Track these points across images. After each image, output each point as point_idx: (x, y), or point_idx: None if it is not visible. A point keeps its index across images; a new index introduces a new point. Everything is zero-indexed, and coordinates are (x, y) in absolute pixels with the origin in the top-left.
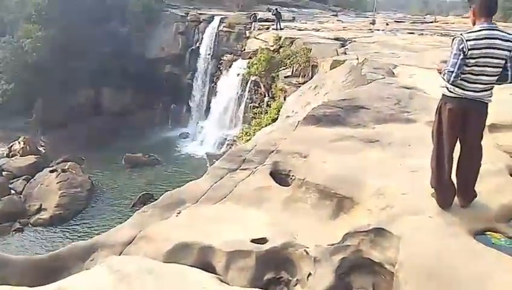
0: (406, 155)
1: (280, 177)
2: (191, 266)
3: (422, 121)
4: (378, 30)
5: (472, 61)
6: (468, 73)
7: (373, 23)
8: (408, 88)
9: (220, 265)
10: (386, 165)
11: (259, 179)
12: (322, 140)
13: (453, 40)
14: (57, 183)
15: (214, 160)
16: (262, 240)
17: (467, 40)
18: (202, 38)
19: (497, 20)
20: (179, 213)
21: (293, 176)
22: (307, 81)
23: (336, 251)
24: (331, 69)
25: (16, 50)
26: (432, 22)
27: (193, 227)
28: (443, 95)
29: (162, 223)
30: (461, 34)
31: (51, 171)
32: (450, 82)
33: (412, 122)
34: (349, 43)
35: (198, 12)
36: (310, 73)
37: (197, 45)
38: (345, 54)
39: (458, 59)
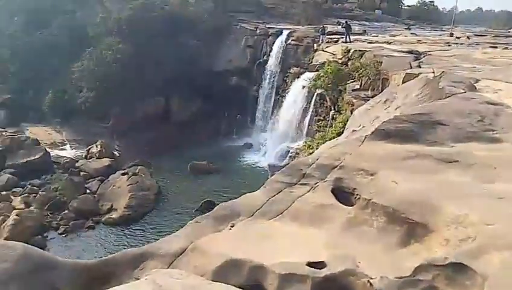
0: (491, 179)
1: (343, 195)
2: (240, 287)
3: (510, 141)
4: (457, 43)
5: None
6: None
7: (451, 36)
8: (493, 104)
9: (272, 288)
10: (466, 189)
11: (320, 196)
12: (392, 157)
13: None
14: (128, 185)
15: (275, 171)
16: (319, 265)
17: None
18: (270, 51)
19: None
20: (232, 226)
21: (357, 195)
22: (376, 95)
23: (405, 285)
24: (403, 82)
25: (100, 61)
26: (509, 36)
27: (245, 243)
28: None
29: (215, 236)
30: None
31: (123, 174)
32: None
33: (498, 142)
34: (424, 56)
35: (267, 26)
36: (380, 86)
37: (265, 58)
38: (419, 67)
39: None
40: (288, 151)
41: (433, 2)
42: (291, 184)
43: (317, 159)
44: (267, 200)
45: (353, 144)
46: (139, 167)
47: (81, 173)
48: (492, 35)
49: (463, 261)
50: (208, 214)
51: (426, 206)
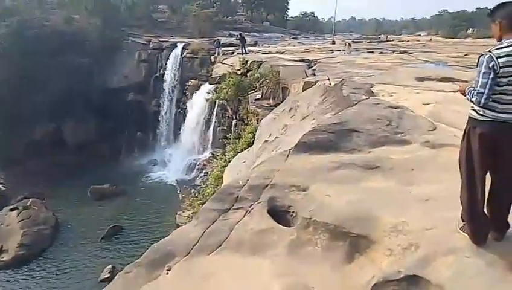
0: (412, 182)
1: (279, 214)
2: None
3: (417, 142)
4: (340, 50)
5: (504, 80)
6: (500, 93)
7: (334, 44)
8: (395, 107)
9: None
10: (395, 195)
11: (257, 220)
12: (318, 169)
13: (479, 57)
14: (19, 221)
15: (185, 186)
16: None
17: (497, 57)
18: (166, 65)
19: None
20: (169, 270)
21: (293, 212)
22: (278, 104)
23: None
24: (303, 90)
25: None
26: (385, 41)
27: (187, 287)
28: (470, 118)
29: (151, 286)
30: (490, 51)
31: (11, 210)
32: (481, 104)
33: (408, 143)
34: (315, 64)
35: (160, 40)
36: (281, 95)
37: (161, 71)
38: (314, 75)
39: (489, 78)
40: (196, 164)
41: (313, 13)
42: (225, 210)
43: (247, 180)
44: (203, 233)
45: (279, 160)
46: (30, 200)
47: None
48: (367, 41)
49: (416, 273)
50: (137, 261)
51: (364, 217)
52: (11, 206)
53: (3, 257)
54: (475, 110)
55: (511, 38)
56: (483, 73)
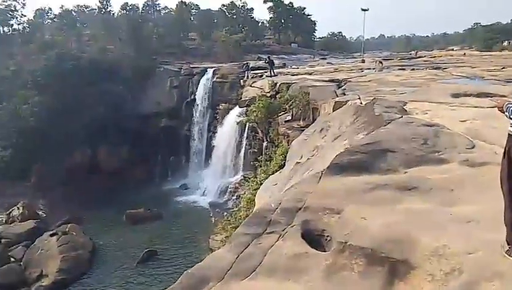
0: (452, 203)
1: (313, 239)
2: None
3: (456, 161)
4: (370, 68)
5: None
6: None
7: (363, 62)
8: (430, 125)
9: None
10: (434, 217)
11: (291, 245)
12: (353, 191)
13: None
14: (58, 247)
15: (217, 210)
16: None
17: None
18: (197, 90)
19: (480, 49)
20: None
21: (327, 236)
22: (309, 124)
23: None
24: (333, 110)
25: (13, 116)
26: (416, 58)
27: None
28: (511, 136)
29: None
30: None
31: (51, 235)
32: None
33: (446, 162)
34: (345, 83)
35: (191, 66)
36: (311, 116)
37: (192, 97)
38: (344, 94)
39: None
40: (227, 187)
41: (340, 32)
42: (258, 235)
43: (280, 203)
44: (236, 258)
45: (311, 182)
46: (69, 225)
47: (2, 241)
48: (398, 58)
49: None
50: (172, 286)
51: (403, 241)
52: (51, 232)
53: (43, 282)
54: None
55: None
56: None
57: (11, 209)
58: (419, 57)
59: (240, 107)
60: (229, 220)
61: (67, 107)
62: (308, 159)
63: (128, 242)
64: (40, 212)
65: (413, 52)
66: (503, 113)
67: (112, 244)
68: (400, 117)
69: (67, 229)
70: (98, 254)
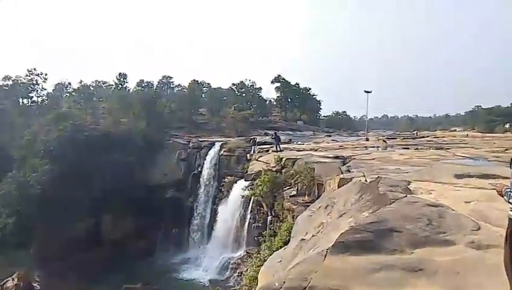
0: (459, 287)
1: None
2: None
3: (462, 243)
4: (374, 147)
5: None
6: None
7: (367, 140)
8: (435, 206)
9: None
10: None
11: None
12: (358, 272)
13: None
14: None
15: (218, 287)
16: None
17: None
18: (204, 163)
19: (482, 131)
20: None
21: None
22: (314, 200)
23: None
24: (338, 187)
25: (21, 184)
26: (417, 137)
27: None
28: (511, 219)
29: None
30: None
31: None
32: None
33: (451, 244)
34: (350, 160)
35: (200, 139)
36: (316, 191)
37: (199, 169)
38: (349, 171)
39: None
40: (229, 263)
41: (345, 111)
42: None
43: (284, 282)
44: None
45: (317, 260)
46: None
47: None
48: (401, 137)
49: None
50: None
51: None
52: None
53: None
54: None
55: None
56: None
57: (6, 280)
58: (422, 137)
59: (245, 180)
60: None
61: (76, 176)
62: (313, 236)
63: None
64: (36, 284)
65: (416, 131)
66: (503, 197)
67: None
68: (405, 196)
69: None
70: None
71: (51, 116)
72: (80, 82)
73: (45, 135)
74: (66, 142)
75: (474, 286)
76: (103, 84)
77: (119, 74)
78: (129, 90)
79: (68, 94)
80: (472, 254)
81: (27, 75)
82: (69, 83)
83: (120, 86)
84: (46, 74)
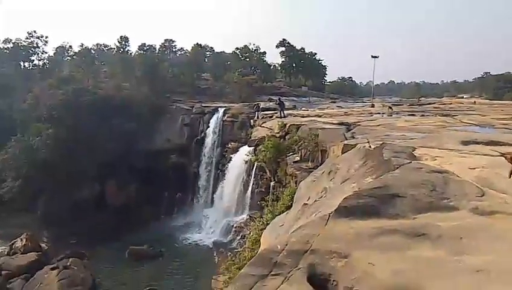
0: (462, 251)
1: (319, 282)
2: None
3: (466, 209)
4: (379, 114)
5: None
6: None
7: (373, 106)
8: (440, 172)
9: None
10: (444, 265)
11: (297, 288)
12: (360, 236)
13: None
14: (58, 281)
15: (222, 249)
16: None
17: None
18: (207, 128)
19: (490, 98)
20: None
21: (334, 281)
22: (317, 166)
23: None
24: (342, 153)
25: (26, 148)
26: (418, 104)
27: None
28: None
29: None
30: None
31: (52, 269)
32: None
33: (455, 210)
34: (354, 127)
35: (203, 105)
36: (320, 157)
37: (202, 135)
38: (353, 138)
39: None
40: (232, 226)
41: (351, 77)
42: (263, 276)
43: (286, 245)
44: None
45: (319, 224)
46: (70, 259)
47: (3, 272)
48: (408, 104)
49: None
50: None
51: None
52: (52, 265)
53: None
54: None
55: None
56: None
57: (14, 241)
58: (423, 104)
59: (249, 146)
60: (233, 261)
61: (79, 142)
62: (316, 201)
63: (129, 279)
64: (43, 245)
65: (423, 98)
66: None
67: (113, 281)
68: (409, 162)
69: (68, 264)
70: None
71: (53, 80)
72: (81, 45)
73: (48, 99)
74: (68, 106)
75: (477, 250)
76: (105, 47)
77: (121, 37)
78: (131, 53)
79: (69, 58)
80: (476, 220)
81: (27, 38)
82: (70, 46)
83: (122, 49)
84: (47, 37)
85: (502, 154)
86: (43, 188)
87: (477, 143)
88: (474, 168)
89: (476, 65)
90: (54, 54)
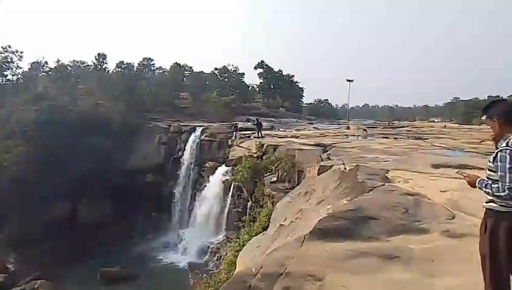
0: (433, 274)
1: None
2: None
3: (436, 231)
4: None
5: None
6: None
7: (348, 129)
8: (411, 195)
9: None
10: (416, 288)
11: None
12: (335, 258)
13: (496, 154)
14: None
15: (197, 271)
16: None
17: None
18: (184, 147)
19: (459, 122)
20: None
21: None
22: (293, 186)
23: None
24: (318, 174)
25: None
26: (388, 127)
27: None
28: (492, 210)
29: None
30: (508, 146)
31: None
32: None
33: (426, 232)
34: (330, 148)
35: (181, 124)
36: (296, 178)
37: (180, 154)
38: (329, 159)
39: None
40: (208, 247)
41: (327, 100)
42: None
43: (261, 268)
44: None
45: (294, 246)
46: (39, 281)
47: None
48: (382, 126)
49: None
50: None
51: None
52: (19, 288)
53: None
54: (495, 202)
55: None
56: (510, 167)
57: None
58: (395, 127)
59: (226, 166)
60: (208, 283)
61: (52, 159)
62: (292, 222)
63: None
64: (10, 266)
65: (396, 121)
66: (473, 187)
67: None
68: (382, 185)
69: (36, 286)
70: None
71: (27, 95)
72: (57, 61)
73: (20, 115)
74: (42, 123)
75: (448, 273)
76: (81, 64)
77: (98, 54)
78: (108, 71)
79: (45, 73)
80: (446, 243)
81: (1, 52)
82: (46, 62)
83: (99, 66)
84: (21, 52)
85: None
86: (11, 207)
87: (448, 166)
88: (445, 191)
89: (446, 90)
90: (29, 69)
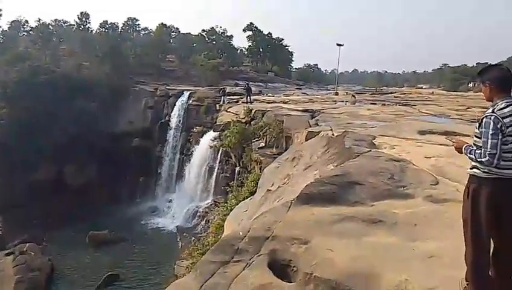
0: (416, 237)
1: (280, 268)
2: None
3: (420, 196)
4: (342, 101)
5: (510, 139)
6: (507, 152)
7: (337, 94)
8: (397, 160)
9: None
10: (399, 252)
11: (257, 274)
12: (321, 222)
13: (481, 119)
14: (14, 267)
15: (185, 234)
16: None
17: (502, 118)
18: (172, 111)
19: (447, 89)
20: None
21: (294, 267)
22: (281, 152)
23: None
24: (306, 140)
25: None
26: (379, 93)
27: None
28: (474, 176)
29: None
30: (493, 112)
31: (7, 255)
32: (494, 165)
33: (411, 197)
34: (318, 114)
35: (167, 87)
36: (284, 144)
37: (167, 118)
38: (317, 125)
39: (498, 139)
40: (197, 212)
41: (316, 64)
42: (225, 262)
43: (248, 231)
44: (200, 287)
45: (281, 211)
46: (27, 244)
47: None
48: (370, 93)
49: None
50: None
51: (367, 275)
52: (7, 251)
53: None
54: (478, 168)
55: (506, 99)
56: (492, 134)
57: None
58: (383, 93)
59: (214, 131)
60: (197, 246)
61: (36, 122)
62: (279, 187)
63: (89, 265)
64: None
65: (384, 87)
66: (460, 153)
67: (72, 267)
68: (369, 151)
69: (24, 249)
70: (56, 277)
71: (8, 56)
72: (38, 20)
73: (1, 76)
74: (24, 84)
75: (430, 237)
76: (64, 23)
77: (81, 13)
78: (92, 31)
79: (25, 33)
80: (429, 208)
81: None
82: (26, 21)
83: (82, 26)
84: (0, 10)
85: None
86: None
87: (434, 133)
88: (429, 157)
89: (435, 57)
90: (9, 28)
